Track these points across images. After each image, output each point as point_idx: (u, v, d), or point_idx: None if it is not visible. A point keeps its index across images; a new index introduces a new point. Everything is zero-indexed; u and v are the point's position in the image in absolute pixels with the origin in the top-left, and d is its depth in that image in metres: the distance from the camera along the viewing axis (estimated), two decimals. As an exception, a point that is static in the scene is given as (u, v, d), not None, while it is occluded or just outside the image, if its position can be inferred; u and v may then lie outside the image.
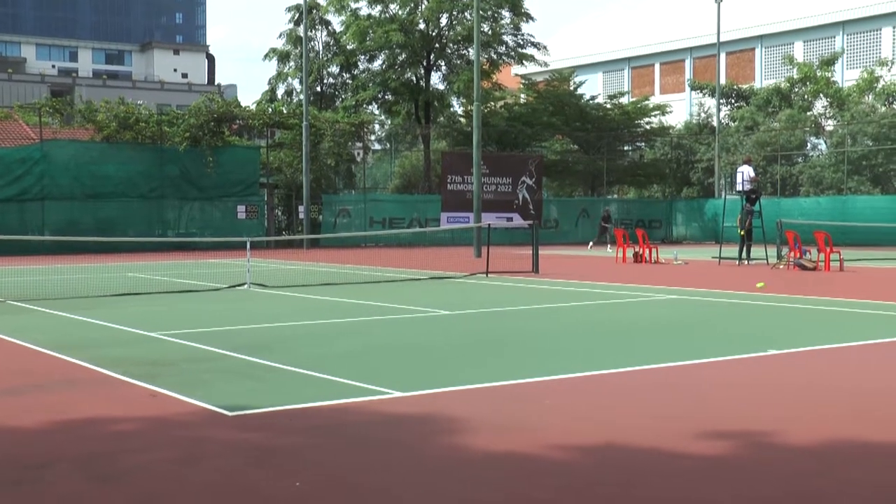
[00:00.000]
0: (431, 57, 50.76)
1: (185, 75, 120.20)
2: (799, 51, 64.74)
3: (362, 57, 52.79)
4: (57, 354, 10.42)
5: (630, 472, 5.77)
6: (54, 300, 16.68)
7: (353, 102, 50.79)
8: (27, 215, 37.33)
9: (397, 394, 8.06)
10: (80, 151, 39.09)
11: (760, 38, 68.45)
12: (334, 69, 55.15)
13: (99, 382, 8.80)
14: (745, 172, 27.70)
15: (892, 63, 52.56)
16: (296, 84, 55.03)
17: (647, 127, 56.30)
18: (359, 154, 50.27)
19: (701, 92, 59.28)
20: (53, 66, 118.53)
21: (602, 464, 5.97)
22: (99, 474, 5.76)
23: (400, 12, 50.08)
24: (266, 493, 5.37)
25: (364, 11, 50.96)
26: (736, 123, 53.42)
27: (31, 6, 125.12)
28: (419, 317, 14.23)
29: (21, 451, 6.36)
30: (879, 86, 49.70)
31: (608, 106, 55.80)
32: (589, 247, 38.92)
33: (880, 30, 63.07)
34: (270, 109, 47.49)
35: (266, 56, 56.18)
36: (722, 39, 54.49)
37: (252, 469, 5.84)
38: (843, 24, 64.13)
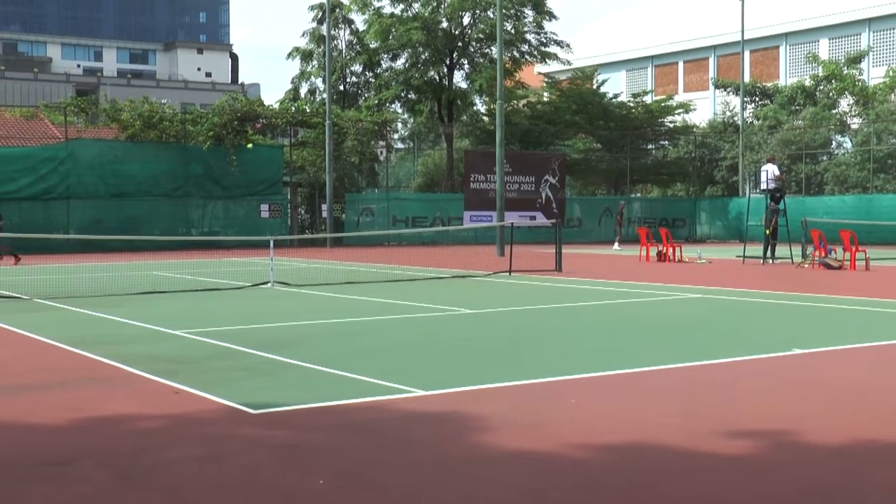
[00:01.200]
0: (454, 55, 50.74)
1: (208, 74, 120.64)
2: (824, 48, 64.33)
3: (385, 55, 52.86)
4: (81, 351, 10.47)
5: (651, 471, 5.75)
6: (79, 298, 16.76)
7: (376, 101, 50.84)
8: (52, 214, 37.54)
9: (420, 392, 8.06)
10: (105, 150, 39.29)
11: (785, 35, 68.05)
12: (357, 68, 55.26)
13: (122, 379, 8.84)
14: (770, 171, 27.59)
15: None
16: (319, 83, 55.17)
17: (671, 125, 56.10)
18: (382, 153, 50.32)
19: (725, 90, 59.00)
20: (78, 66, 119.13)
21: (623, 462, 5.95)
22: (121, 471, 5.78)
23: (422, 10, 50.07)
24: (288, 491, 5.38)
25: (387, 10, 51.00)
26: (760, 122, 53.14)
27: (56, 6, 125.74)
28: (442, 315, 14.22)
29: (44, 448, 6.39)
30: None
31: (631, 104, 55.64)
32: (615, 247, 38.66)
33: (907, 27, 62.64)
34: (294, 108, 47.64)
35: (289, 55, 56.35)
36: (746, 37, 54.24)
37: (275, 467, 5.84)
38: (868, 22, 63.67)
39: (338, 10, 53.11)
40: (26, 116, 44.51)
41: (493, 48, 48.19)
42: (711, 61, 72.55)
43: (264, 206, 42.23)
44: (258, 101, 48.49)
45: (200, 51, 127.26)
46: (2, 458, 6.12)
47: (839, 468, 5.83)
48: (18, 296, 17.49)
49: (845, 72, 50.87)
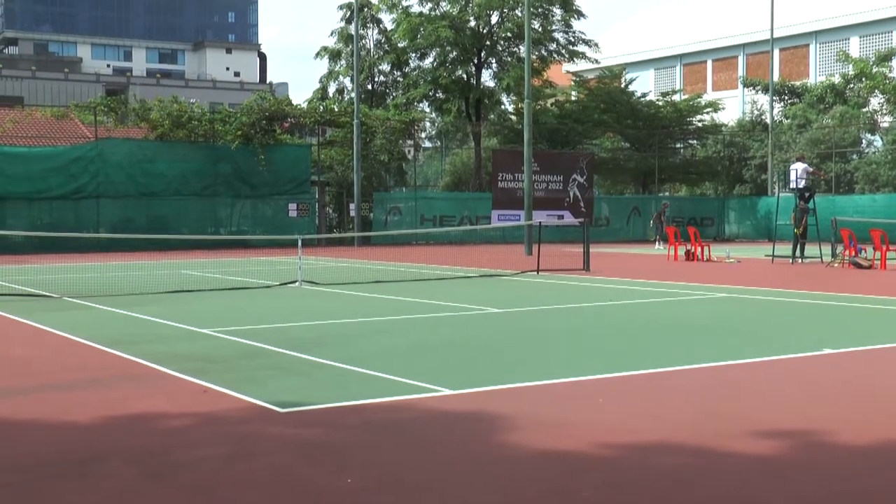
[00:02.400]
0: (482, 54, 50.70)
1: (237, 74, 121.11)
2: (854, 46, 63.84)
3: (413, 54, 52.88)
4: (111, 350, 10.54)
5: (678, 471, 5.73)
6: (109, 297, 16.86)
7: (404, 100, 50.88)
8: (82, 213, 37.77)
9: (448, 391, 8.06)
10: (134, 150, 39.47)
11: (815, 33, 67.59)
12: (385, 67, 55.33)
13: (152, 378, 8.89)
14: (799, 170, 27.45)
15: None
16: (347, 82, 55.26)
17: (699, 124, 55.84)
18: (410, 152, 50.35)
19: (754, 89, 58.67)
20: (108, 66, 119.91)
21: (650, 462, 5.94)
22: (151, 469, 5.81)
23: (451, 9, 50.06)
24: (317, 490, 5.39)
25: (415, 9, 51.03)
26: (789, 121, 52.82)
27: (86, 7, 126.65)
28: (470, 314, 14.22)
29: (75, 445, 6.44)
30: (937, 81, 48.84)
31: (660, 103, 55.39)
32: (659, 246, 38.39)
33: (939, 24, 62.07)
34: (322, 107, 47.72)
35: (317, 54, 56.45)
36: (775, 35, 53.85)
37: (303, 466, 5.86)
38: (900, 19, 63.18)
39: (366, 10, 53.19)
40: (57, 116, 44.74)
41: (520, 47, 48.11)
42: (740, 60, 72.18)
43: (292, 206, 42.32)
44: (286, 100, 48.66)
45: (229, 50, 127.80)
46: (34, 456, 6.18)
47: (871, 469, 5.79)
48: (49, 294, 17.62)
49: (875, 70, 50.43)
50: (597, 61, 53.60)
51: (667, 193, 57.52)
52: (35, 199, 37.08)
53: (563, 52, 51.68)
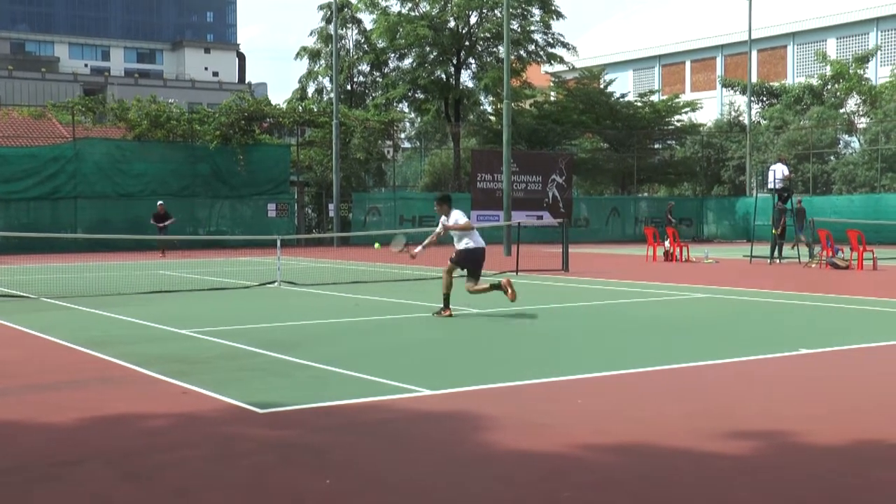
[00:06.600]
0: (461, 54, 50.69)
1: (215, 74, 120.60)
2: (832, 48, 64.18)
3: (392, 55, 52.83)
4: (89, 351, 10.50)
5: (658, 471, 5.75)
6: (87, 297, 16.79)
7: (384, 100, 50.83)
8: (60, 213, 37.58)
9: (427, 392, 8.07)
10: (112, 150, 39.30)
11: (793, 35, 67.90)
12: (365, 67, 55.27)
13: (131, 379, 8.86)
14: (778, 171, 27.58)
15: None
16: (326, 82, 55.17)
17: (678, 125, 55.99)
18: (389, 152, 50.30)
19: (732, 89, 58.89)
20: (86, 66, 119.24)
21: (630, 462, 5.96)
22: (131, 471, 5.80)
23: (430, 9, 50.03)
24: (296, 491, 5.39)
25: (394, 9, 50.96)
26: (767, 122, 53.03)
27: (63, 6, 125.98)
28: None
29: (54, 448, 6.41)
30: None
31: (638, 104, 55.52)
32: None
33: (915, 26, 62.48)
34: (301, 108, 47.64)
35: (297, 55, 56.32)
36: (754, 36, 54.06)
37: (282, 466, 5.86)
38: (877, 21, 63.50)
39: (346, 10, 53.12)
40: (34, 116, 44.55)
41: (500, 47, 48.11)
42: (719, 61, 72.42)
43: (271, 206, 42.24)
44: (265, 100, 48.54)
45: (207, 50, 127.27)
46: (13, 459, 6.16)
47: (846, 468, 5.83)
48: (26, 295, 17.54)
49: (852, 71, 50.71)
50: (573, 66, 53.68)
51: (646, 194, 57.68)
52: (12, 200, 36.87)
53: (542, 54, 51.69)
